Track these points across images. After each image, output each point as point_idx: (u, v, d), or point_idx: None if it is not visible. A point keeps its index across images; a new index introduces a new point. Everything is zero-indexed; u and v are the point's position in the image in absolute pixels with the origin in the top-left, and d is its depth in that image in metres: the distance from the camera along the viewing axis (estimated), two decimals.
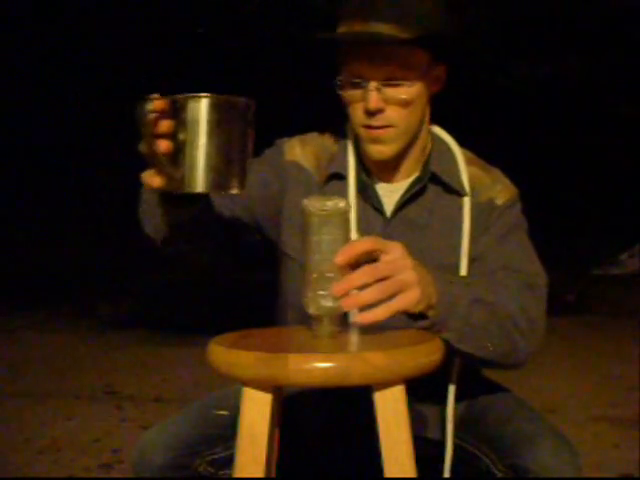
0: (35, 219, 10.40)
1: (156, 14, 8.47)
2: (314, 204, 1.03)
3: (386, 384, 0.95)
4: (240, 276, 8.81)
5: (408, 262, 1.00)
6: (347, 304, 0.98)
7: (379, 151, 1.24)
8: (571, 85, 9.62)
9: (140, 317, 6.01)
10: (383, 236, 1.23)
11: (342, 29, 1.22)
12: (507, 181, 1.34)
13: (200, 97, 0.93)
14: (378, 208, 1.30)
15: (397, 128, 1.23)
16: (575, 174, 12.42)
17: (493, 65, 9.96)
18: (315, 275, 1.02)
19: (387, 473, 0.96)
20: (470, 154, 1.36)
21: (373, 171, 1.31)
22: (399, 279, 0.98)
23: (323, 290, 1.01)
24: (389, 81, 1.20)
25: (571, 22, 8.60)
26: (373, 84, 1.20)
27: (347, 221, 1.03)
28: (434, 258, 1.24)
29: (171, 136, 0.94)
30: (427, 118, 1.32)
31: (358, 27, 1.19)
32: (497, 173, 1.35)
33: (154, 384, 3.49)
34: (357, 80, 1.21)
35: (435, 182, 1.30)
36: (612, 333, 4.81)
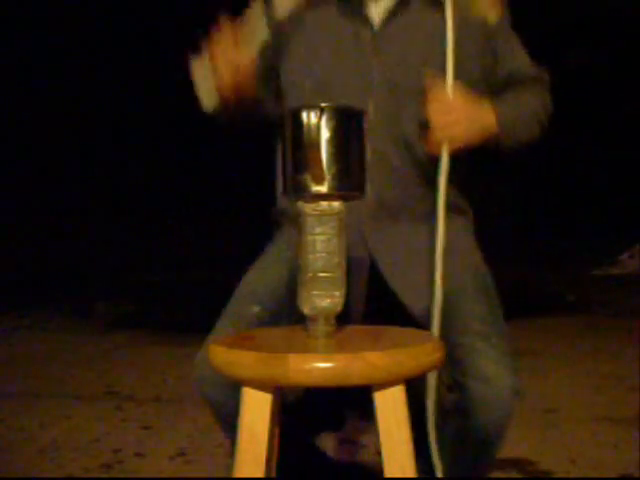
0: (35, 219, 10.40)
1: (155, 13, 8.48)
2: (308, 204, 1.03)
3: (386, 384, 0.95)
4: (240, 276, 8.80)
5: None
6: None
7: None
8: (571, 84, 9.61)
9: (140, 317, 6.00)
10: (372, 47, 1.33)
11: None
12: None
13: (323, 106, 1.01)
14: (365, 21, 1.33)
15: None
16: (575, 174, 12.41)
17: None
18: (310, 275, 1.03)
19: (387, 473, 0.96)
20: None
21: None
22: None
23: (317, 290, 1.02)
24: None
25: (571, 20, 8.60)
26: None
27: (341, 221, 1.04)
28: (421, 69, 1.30)
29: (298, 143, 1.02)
30: None
31: None
32: None
33: (154, 384, 3.49)
34: None
35: (423, 3, 1.34)
36: (612, 333, 4.80)
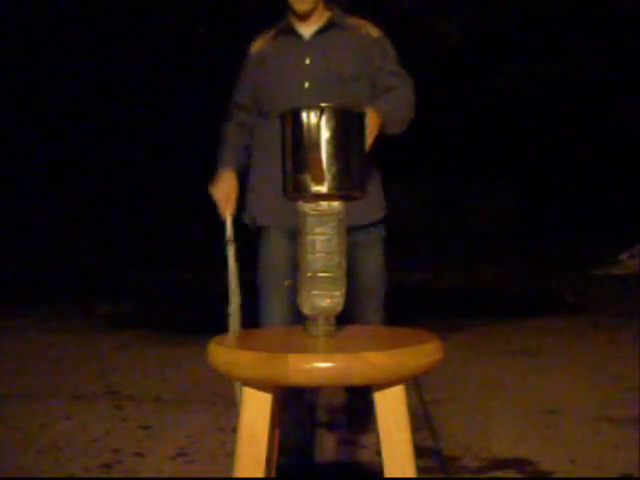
0: (35, 219, 10.39)
1: (156, 13, 8.46)
2: (308, 204, 1.03)
3: (386, 384, 0.95)
4: (239, 276, 8.80)
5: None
6: None
7: (302, 4, 2.10)
8: (571, 85, 9.60)
9: (140, 317, 6.00)
10: (305, 50, 2.14)
11: None
12: (373, 25, 2.22)
13: (324, 107, 1.02)
14: (300, 37, 2.16)
15: None
16: (575, 174, 12.39)
17: (492, 66, 9.92)
18: (309, 275, 1.02)
19: (387, 473, 0.96)
20: (350, 16, 2.23)
21: (298, 22, 2.16)
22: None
23: (317, 290, 1.02)
24: None
25: (571, 22, 8.59)
26: None
27: (341, 221, 1.04)
28: (336, 67, 2.09)
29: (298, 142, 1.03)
30: None
31: None
32: (366, 21, 2.21)
33: (154, 384, 3.49)
34: None
35: (335, 27, 2.16)
36: (612, 333, 4.80)
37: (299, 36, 2.15)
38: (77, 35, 8.98)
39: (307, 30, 2.16)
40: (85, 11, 8.54)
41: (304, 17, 2.14)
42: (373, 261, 2.15)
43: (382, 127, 1.94)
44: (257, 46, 2.24)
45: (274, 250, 2.14)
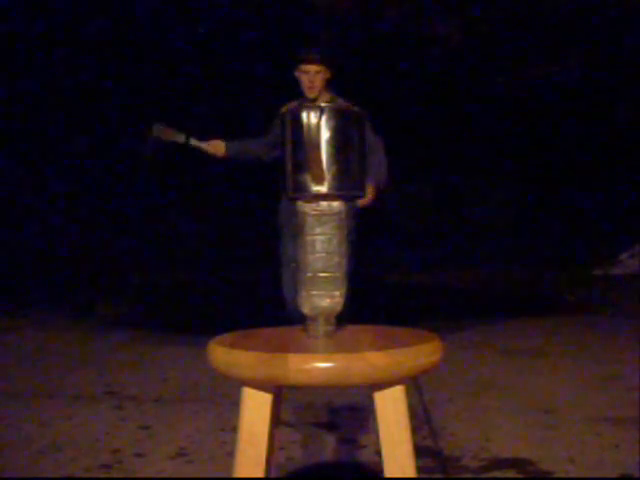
0: (34, 219, 10.38)
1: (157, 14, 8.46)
2: (308, 204, 1.03)
3: (386, 384, 0.95)
4: (239, 276, 8.82)
5: None
6: None
7: (311, 93, 3.91)
8: (571, 86, 9.60)
9: (140, 317, 6.01)
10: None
11: (302, 56, 4.01)
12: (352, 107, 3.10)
13: (323, 106, 1.03)
14: None
15: (316, 87, 3.90)
16: (575, 175, 12.40)
17: (493, 67, 9.93)
18: (309, 275, 1.02)
19: (387, 473, 0.96)
20: (340, 98, 3.92)
21: (309, 103, 3.50)
22: None
23: (317, 290, 1.02)
24: (317, 72, 3.90)
25: (571, 24, 8.59)
26: (312, 72, 3.90)
27: (341, 221, 1.04)
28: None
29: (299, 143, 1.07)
30: (324, 85, 3.95)
31: (306, 54, 3.99)
32: (349, 104, 3.06)
33: (154, 384, 3.49)
34: (306, 71, 3.93)
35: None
36: (612, 333, 4.80)
37: None
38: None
39: None
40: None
41: (313, 100, 3.70)
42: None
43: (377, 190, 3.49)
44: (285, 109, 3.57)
45: (285, 245, 3.82)
